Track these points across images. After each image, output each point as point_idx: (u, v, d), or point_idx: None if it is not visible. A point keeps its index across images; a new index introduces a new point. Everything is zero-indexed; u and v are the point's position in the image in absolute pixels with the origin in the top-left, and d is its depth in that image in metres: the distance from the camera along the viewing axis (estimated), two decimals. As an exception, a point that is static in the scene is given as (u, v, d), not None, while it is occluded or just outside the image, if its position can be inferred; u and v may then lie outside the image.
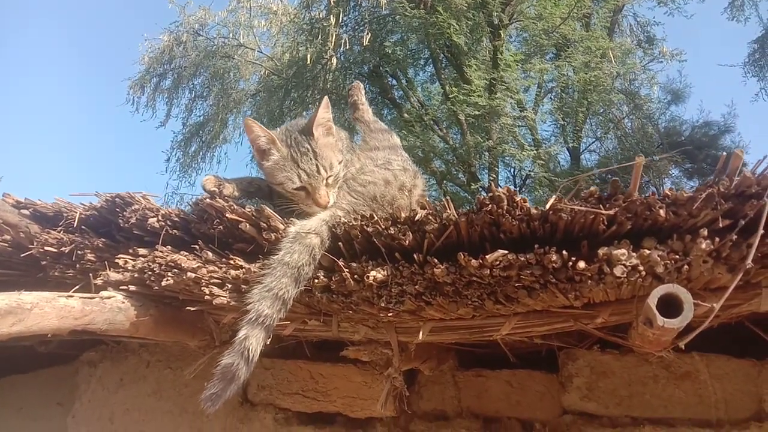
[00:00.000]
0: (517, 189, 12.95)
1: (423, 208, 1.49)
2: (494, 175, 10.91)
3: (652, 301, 1.13)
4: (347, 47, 11.11)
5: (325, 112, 1.82)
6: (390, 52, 11.55)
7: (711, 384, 1.96)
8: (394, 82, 12.88)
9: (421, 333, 1.67)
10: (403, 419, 2.21)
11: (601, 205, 1.32)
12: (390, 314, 1.57)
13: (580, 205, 1.32)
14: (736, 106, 13.94)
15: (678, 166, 13.04)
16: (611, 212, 1.26)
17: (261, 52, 13.84)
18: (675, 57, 12.02)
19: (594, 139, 13.30)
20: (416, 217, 1.46)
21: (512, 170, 12.54)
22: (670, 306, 1.19)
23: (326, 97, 1.84)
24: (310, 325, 1.80)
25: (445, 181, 11.80)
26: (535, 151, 10.47)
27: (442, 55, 11.89)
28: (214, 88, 14.25)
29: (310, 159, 1.74)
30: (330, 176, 1.76)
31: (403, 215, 1.49)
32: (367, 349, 1.83)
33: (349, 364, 2.17)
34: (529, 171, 11.28)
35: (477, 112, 9.94)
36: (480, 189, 10.53)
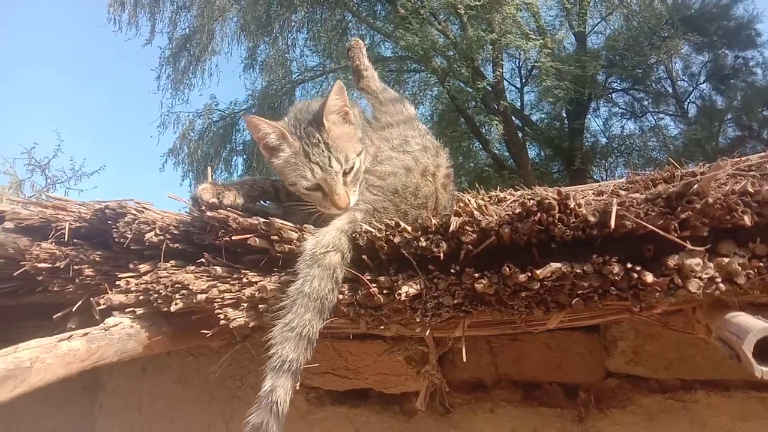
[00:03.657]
0: (524, 81, 12.49)
1: (457, 215, 1.29)
2: (499, 70, 10.41)
3: (748, 347, 0.95)
4: (333, -60, 10.29)
5: (337, 98, 1.57)
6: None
7: None
8: (387, -27, 12.03)
9: (457, 330, 1.52)
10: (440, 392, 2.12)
11: (670, 209, 1.12)
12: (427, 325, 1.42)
13: (647, 213, 1.12)
14: (750, -30, 12.99)
15: (688, 41, 12.42)
16: (686, 234, 1.07)
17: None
18: None
19: (599, 20, 12.59)
20: (450, 228, 1.26)
21: (517, 62, 12.01)
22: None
23: (339, 81, 1.58)
24: (336, 323, 1.66)
25: (448, 78, 11.27)
26: (540, 40, 9.90)
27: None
28: (196, -3, 13.49)
29: (322, 151, 1.52)
30: (345, 169, 1.53)
31: (434, 223, 1.31)
32: (401, 348, 1.71)
33: (378, 340, 2.05)
34: (535, 61, 10.74)
35: (477, 3, 9.33)
36: (487, 86, 10.07)
